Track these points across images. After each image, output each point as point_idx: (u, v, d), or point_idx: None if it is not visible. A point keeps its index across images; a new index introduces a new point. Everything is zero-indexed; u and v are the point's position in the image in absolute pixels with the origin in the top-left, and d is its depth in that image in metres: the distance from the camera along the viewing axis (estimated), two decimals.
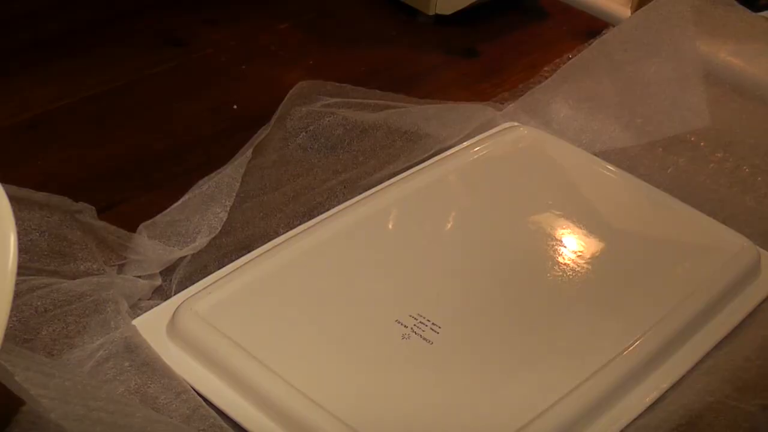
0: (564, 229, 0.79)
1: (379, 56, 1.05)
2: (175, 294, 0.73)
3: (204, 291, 0.70)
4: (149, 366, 0.66)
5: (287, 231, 0.78)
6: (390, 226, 0.79)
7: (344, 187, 0.84)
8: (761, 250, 0.79)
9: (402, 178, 0.84)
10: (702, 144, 0.91)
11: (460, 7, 1.10)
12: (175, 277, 0.74)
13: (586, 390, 0.65)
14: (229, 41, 1.04)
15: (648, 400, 0.66)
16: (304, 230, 0.77)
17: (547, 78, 0.98)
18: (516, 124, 0.92)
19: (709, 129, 0.92)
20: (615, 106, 0.94)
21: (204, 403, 0.64)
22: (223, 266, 0.75)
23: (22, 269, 0.69)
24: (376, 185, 0.83)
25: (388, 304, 0.71)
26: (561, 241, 0.78)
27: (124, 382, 0.65)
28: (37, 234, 0.72)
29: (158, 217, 0.77)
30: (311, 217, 0.80)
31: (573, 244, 0.78)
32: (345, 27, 1.10)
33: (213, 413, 0.64)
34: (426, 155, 0.88)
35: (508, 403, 0.65)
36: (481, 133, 0.91)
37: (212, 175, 0.80)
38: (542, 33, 1.12)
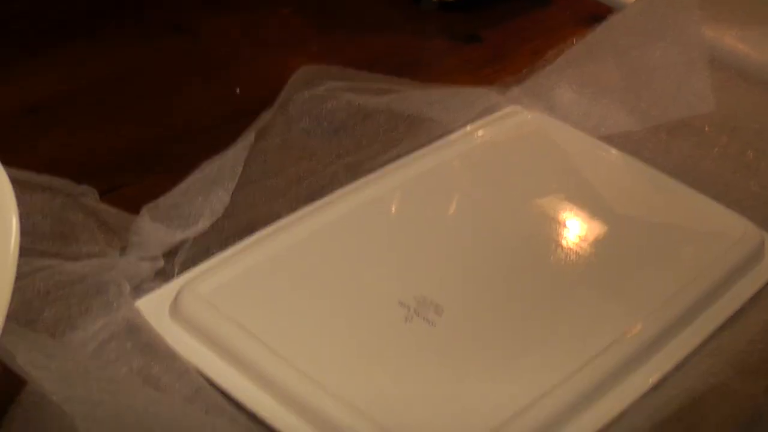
0: (567, 213, 0.79)
1: (383, 42, 1.04)
2: (177, 276, 0.73)
3: (207, 273, 0.70)
4: (152, 347, 0.66)
5: (290, 214, 0.78)
6: (393, 210, 0.79)
7: (347, 171, 0.84)
8: (765, 235, 0.78)
9: (405, 163, 0.83)
10: (707, 129, 0.91)
11: None
12: (178, 259, 0.74)
13: (589, 372, 0.65)
14: (232, 27, 1.04)
15: (650, 381, 0.66)
16: (307, 213, 0.77)
17: (551, 63, 0.97)
18: (519, 108, 0.92)
19: (714, 114, 0.92)
20: (619, 91, 0.94)
21: (207, 383, 0.64)
22: (226, 249, 0.75)
23: (25, 251, 0.69)
24: (379, 169, 0.83)
25: (390, 286, 0.71)
26: (564, 225, 0.78)
27: (126, 363, 0.65)
28: (40, 217, 0.72)
29: (161, 200, 0.77)
30: (314, 200, 0.80)
31: (576, 228, 0.78)
32: (349, 13, 1.10)
33: (216, 394, 0.63)
34: (429, 139, 0.88)
35: (510, 385, 0.65)
36: (484, 117, 0.90)
37: (215, 158, 0.80)
38: (546, 19, 1.12)
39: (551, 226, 0.78)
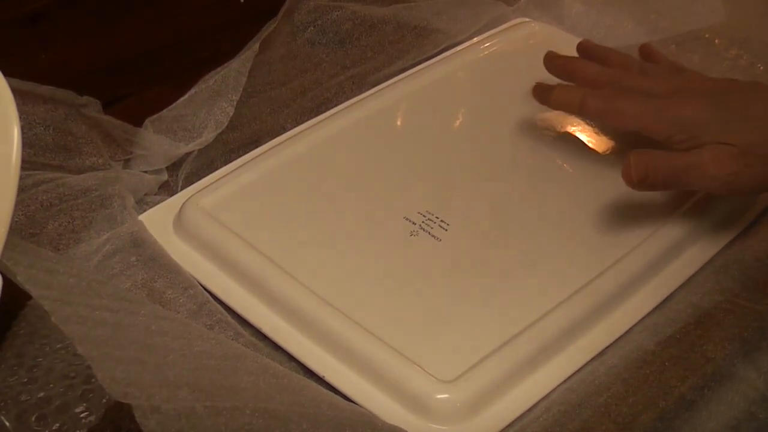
0: (574, 126, 0.78)
1: None
2: (181, 189, 0.73)
3: (211, 186, 0.70)
4: (156, 261, 0.66)
5: (295, 126, 0.77)
6: (398, 123, 0.79)
7: (353, 82, 0.83)
8: None
9: (411, 74, 0.83)
10: (716, 41, 0.90)
11: None
12: (182, 173, 0.74)
13: (596, 287, 0.64)
14: None
15: (657, 298, 0.66)
16: (312, 126, 0.76)
17: None
18: (527, 19, 0.90)
19: (724, 25, 0.90)
20: (629, 2, 0.92)
21: (211, 298, 0.64)
22: (230, 162, 0.74)
23: (27, 164, 0.69)
24: (385, 81, 0.82)
25: (396, 200, 0.70)
26: (571, 139, 0.77)
27: (130, 276, 0.65)
28: (42, 128, 0.71)
29: (164, 112, 0.76)
30: (319, 112, 0.79)
31: (583, 142, 0.77)
32: None
33: (220, 308, 0.64)
34: (435, 51, 0.87)
35: (518, 299, 0.64)
36: (491, 28, 0.89)
37: (219, 69, 0.79)
38: None
39: (558, 138, 0.77)
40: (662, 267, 0.67)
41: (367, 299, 0.64)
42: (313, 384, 0.58)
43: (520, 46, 0.87)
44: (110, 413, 0.54)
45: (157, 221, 0.69)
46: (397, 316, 0.63)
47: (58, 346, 0.56)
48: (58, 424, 0.53)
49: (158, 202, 0.71)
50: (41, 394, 0.54)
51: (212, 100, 0.77)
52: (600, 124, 0.78)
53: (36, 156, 0.70)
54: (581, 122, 0.78)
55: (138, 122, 0.75)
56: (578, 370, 0.62)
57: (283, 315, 0.63)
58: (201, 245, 0.67)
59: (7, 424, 0.52)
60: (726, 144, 0.64)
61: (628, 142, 0.77)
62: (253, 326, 0.64)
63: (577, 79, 0.74)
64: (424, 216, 0.69)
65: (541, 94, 0.74)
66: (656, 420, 0.58)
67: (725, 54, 0.89)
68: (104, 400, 0.54)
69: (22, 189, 0.66)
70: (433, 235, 0.68)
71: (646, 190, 0.67)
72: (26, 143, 0.69)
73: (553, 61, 0.76)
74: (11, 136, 0.50)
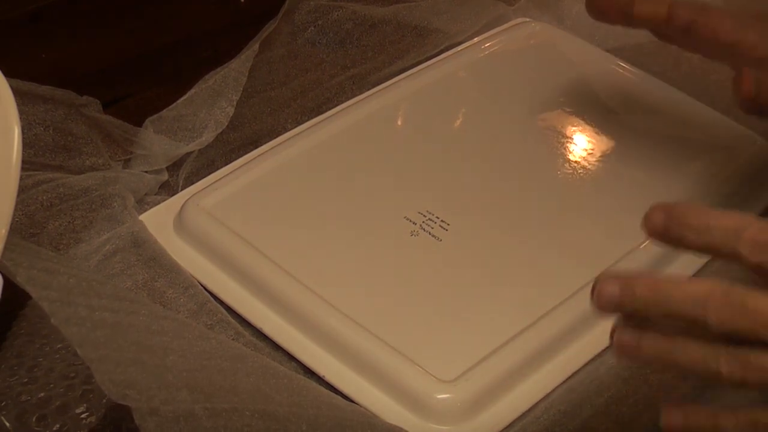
0: (575, 126, 0.78)
1: None
2: (182, 189, 0.73)
3: (211, 186, 0.70)
4: (156, 261, 0.66)
5: (295, 127, 0.77)
6: (399, 123, 0.79)
7: (353, 82, 0.83)
8: None
9: (411, 74, 0.82)
10: None
11: None
12: (182, 173, 0.74)
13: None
14: None
15: None
16: (313, 126, 0.76)
17: None
18: (528, 19, 0.90)
19: None
20: None
21: (211, 298, 0.64)
22: (231, 162, 0.74)
23: (27, 164, 0.69)
24: (386, 81, 0.82)
25: (396, 200, 0.70)
26: (572, 139, 0.77)
27: (131, 276, 0.65)
28: (42, 128, 0.71)
29: (164, 112, 0.76)
30: (320, 112, 0.79)
31: (584, 142, 0.77)
32: None
33: (220, 308, 0.64)
34: (436, 51, 0.87)
35: (518, 299, 0.65)
36: (492, 28, 0.89)
37: (219, 69, 0.79)
38: None
39: (559, 139, 0.77)
40: (663, 267, 0.67)
41: (367, 299, 0.64)
42: (313, 384, 0.58)
43: (520, 46, 0.87)
44: (110, 413, 0.54)
45: (158, 221, 0.69)
46: (397, 316, 0.63)
47: (59, 346, 0.56)
48: (58, 425, 0.53)
49: (158, 202, 0.71)
50: (41, 395, 0.54)
51: (212, 100, 0.77)
52: (601, 124, 0.78)
53: (36, 156, 0.70)
54: (582, 122, 0.78)
55: (138, 122, 0.75)
56: (578, 370, 0.62)
57: (283, 315, 0.63)
58: (201, 245, 0.67)
59: (7, 424, 0.52)
60: None
61: (629, 142, 0.77)
62: (253, 326, 0.64)
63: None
64: (424, 216, 0.69)
65: (620, 11, 0.65)
66: (657, 420, 0.58)
67: None
68: (104, 401, 0.54)
69: (22, 189, 0.65)
70: (433, 235, 0.68)
71: (756, 113, 0.63)
72: (26, 143, 0.68)
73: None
74: (11, 136, 0.50)
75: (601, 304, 0.47)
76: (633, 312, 0.46)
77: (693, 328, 0.45)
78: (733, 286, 0.44)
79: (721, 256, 0.46)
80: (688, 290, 0.45)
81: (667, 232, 0.47)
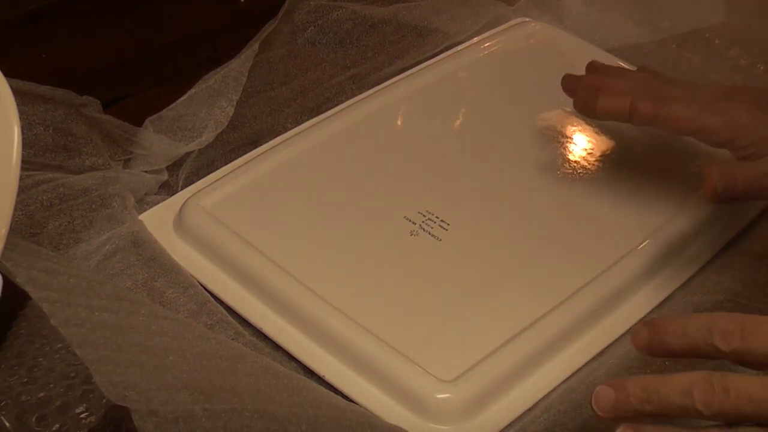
0: (575, 126, 0.78)
1: None
2: (181, 189, 0.73)
3: (211, 186, 0.70)
4: (156, 261, 0.66)
5: (295, 126, 0.77)
6: (399, 123, 0.79)
7: (353, 82, 0.83)
8: None
9: (411, 74, 0.83)
10: (717, 41, 0.90)
11: None
12: (182, 172, 0.74)
13: (596, 287, 0.65)
14: None
15: (657, 298, 0.66)
16: (312, 126, 0.76)
17: None
18: (527, 19, 0.90)
19: (725, 25, 0.90)
20: (629, 2, 0.92)
21: (211, 298, 0.64)
22: (230, 161, 0.74)
23: (27, 164, 0.69)
24: (386, 81, 0.82)
25: (396, 200, 0.70)
26: (571, 139, 0.77)
27: (131, 276, 0.65)
28: (42, 128, 0.71)
29: (164, 112, 0.76)
30: (319, 112, 0.79)
31: (583, 142, 0.77)
32: None
33: (220, 308, 0.64)
34: (436, 51, 0.87)
35: (518, 299, 0.65)
36: (491, 28, 0.89)
37: (219, 69, 0.79)
38: None
39: (558, 139, 0.77)
40: (662, 267, 0.67)
41: (367, 299, 0.64)
42: (314, 384, 0.58)
43: (520, 46, 0.87)
44: (110, 414, 0.54)
45: (158, 221, 0.69)
46: (397, 316, 0.63)
47: (59, 346, 0.56)
48: (58, 425, 0.53)
49: (158, 202, 0.71)
50: (41, 395, 0.54)
51: (212, 100, 0.77)
52: (600, 125, 0.78)
53: (36, 156, 0.70)
54: (581, 122, 0.78)
55: (138, 122, 0.75)
56: (578, 370, 0.62)
57: (283, 314, 0.63)
58: (201, 245, 0.67)
59: (7, 424, 0.52)
60: None
61: (630, 142, 0.77)
62: (253, 326, 0.64)
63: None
64: (424, 216, 0.69)
65: (585, 106, 0.69)
66: (656, 420, 0.58)
67: (725, 54, 0.89)
68: (104, 401, 0.54)
69: (22, 189, 0.65)
70: (433, 235, 0.68)
71: (725, 203, 0.65)
72: (26, 143, 0.69)
73: (574, 82, 0.72)
74: (11, 136, 0.50)
75: (602, 409, 0.49)
76: (632, 413, 0.49)
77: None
78: (714, 372, 0.47)
79: (702, 354, 0.49)
80: (674, 381, 0.48)
81: (651, 343, 0.50)
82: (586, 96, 0.68)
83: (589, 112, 0.69)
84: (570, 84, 0.72)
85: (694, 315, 0.50)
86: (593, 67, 0.74)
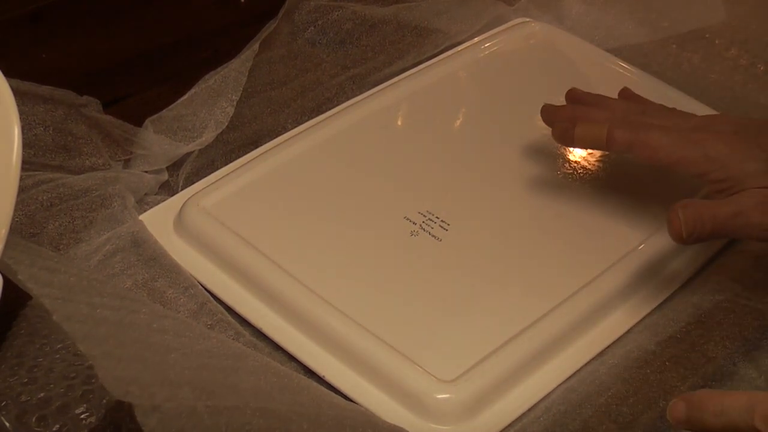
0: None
1: None
2: (182, 189, 0.72)
3: (211, 186, 0.70)
4: (156, 261, 0.66)
5: (295, 126, 0.77)
6: (399, 123, 0.79)
7: (353, 82, 0.83)
8: None
9: (411, 74, 0.83)
10: (717, 41, 0.90)
11: None
12: (182, 173, 0.74)
13: (596, 287, 0.65)
14: None
15: (657, 298, 0.66)
16: (313, 126, 0.76)
17: None
18: (528, 19, 0.90)
19: (725, 25, 0.90)
20: (629, 1, 0.92)
21: (211, 298, 0.64)
22: (231, 162, 0.74)
23: (27, 164, 0.69)
24: (386, 81, 0.82)
25: (396, 200, 0.70)
26: None
27: (131, 276, 0.65)
28: (42, 128, 0.71)
29: (164, 112, 0.76)
30: (320, 112, 0.79)
31: None
32: None
33: (220, 308, 0.64)
34: (436, 51, 0.87)
35: (518, 299, 0.65)
36: (492, 28, 0.89)
37: (219, 69, 0.79)
38: None
39: None
40: (663, 267, 0.67)
41: (367, 299, 0.64)
42: (314, 384, 0.58)
43: (520, 46, 0.87)
44: (110, 414, 0.54)
45: (158, 221, 0.69)
46: (397, 316, 0.63)
47: (59, 346, 0.56)
48: (58, 425, 0.53)
49: (158, 202, 0.71)
50: (41, 395, 0.54)
51: (212, 100, 0.77)
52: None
53: (36, 156, 0.70)
54: None
55: (138, 122, 0.75)
56: (578, 370, 0.62)
57: (283, 315, 0.63)
58: (201, 245, 0.67)
59: (7, 424, 0.52)
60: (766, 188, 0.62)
61: None
62: (253, 326, 0.64)
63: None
64: (424, 216, 0.69)
65: (562, 135, 0.68)
66: (656, 420, 0.58)
67: (725, 54, 0.89)
68: (104, 401, 0.54)
69: (22, 189, 0.66)
70: (433, 235, 0.68)
71: (693, 243, 0.64)
72: (26, 143, 0.69)
73: (553, 113, 0.72)
74: (11, 137, 0.50)
75: (675, 421, 0.50)
76: (701, 427, 0.49)
77: None
78: None
79: None
80: (735, 398, 0.48)
81: (689, 420, 0.50)
82: (565, 125, 0.68)
83: (567, 141, 0.69)
84: (548, 115, 0.72)
85: (733, 393, 0.49)
86: (573, 96, 0.74)
